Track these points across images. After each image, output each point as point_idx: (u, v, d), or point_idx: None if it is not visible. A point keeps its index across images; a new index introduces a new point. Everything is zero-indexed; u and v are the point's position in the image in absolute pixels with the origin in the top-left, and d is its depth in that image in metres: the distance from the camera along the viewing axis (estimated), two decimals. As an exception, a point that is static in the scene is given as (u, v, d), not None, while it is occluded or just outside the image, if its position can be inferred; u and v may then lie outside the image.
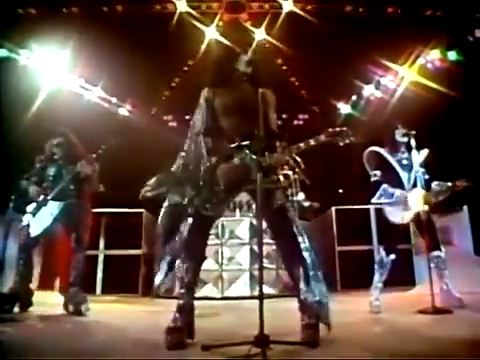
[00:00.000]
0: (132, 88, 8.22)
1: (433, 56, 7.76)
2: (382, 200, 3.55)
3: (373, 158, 3.68)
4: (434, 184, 3.49)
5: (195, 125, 2.43)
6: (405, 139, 3.54)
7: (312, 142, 2.17)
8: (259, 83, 2.40)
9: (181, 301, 2.22)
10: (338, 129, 2.17)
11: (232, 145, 2.26)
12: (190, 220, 2.29)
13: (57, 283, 4.40)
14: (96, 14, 7.70)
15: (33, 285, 3.63)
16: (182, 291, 2.26)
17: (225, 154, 2.26)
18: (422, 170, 3.53)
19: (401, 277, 4.66)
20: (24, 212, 3.52)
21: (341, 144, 2.16)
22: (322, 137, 2.17)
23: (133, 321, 3.29)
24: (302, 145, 2.18)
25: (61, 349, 2.15)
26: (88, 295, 3.60)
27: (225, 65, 2.46)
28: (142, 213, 5.93)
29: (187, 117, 9.63)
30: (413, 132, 3.47)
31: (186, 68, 8.94)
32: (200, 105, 2.44)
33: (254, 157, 2.15)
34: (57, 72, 7.66)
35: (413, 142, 3.44)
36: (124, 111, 8.94)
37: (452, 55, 7.60)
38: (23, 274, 3.47)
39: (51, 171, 3.64)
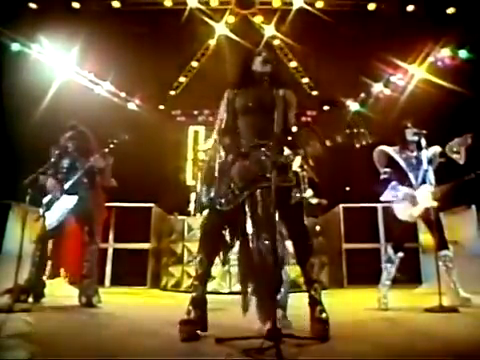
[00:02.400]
0: (141, 83, 8.26)
1: (444, 54, 7.70)
2: (391, 197, 3.60)
3: (382, 157, 3.74)
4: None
5: (217, 124, 2.49)
6: (415, 138, 3.56)
7: (328, 143, 2.20)
8: (280, 83, 2.44)
9: (194, 294, 2.27)
10: (355, 130, 2.18)
11: (250, 144, 2.31)
12: (206, 214, 2.35)
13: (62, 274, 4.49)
14: (107, 9, 7.74)
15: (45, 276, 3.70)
16: (195, 283, 2.31)
17: (241, 152, 2.30)
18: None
19: (408, 275, 4.69)
20: (40, 205, 3.59)
21: (358, 146, 2.18)
22: (339, 138, 2.20)
23: (144, 313, 3.36)
24: (318, 147, 2.22)
25: (77, 340, 2.21)
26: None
27: (244, 66, 2.51)
28: (151, 207, 6.01)
29: (195, 112, 9.70)
30: (424, 131, 3.49)
31: (195, 64, 8.97)
32: (222, 105, 2.51)
33: (268, 156, 2.18)
34: (67, 66, 7.73)
35: (424, 141, 3.46)
36: (133, 106, 8.99)
37: (463, 53, 7.54)
38: (38, 266, 3.54)
39: (65, 163, 3.71)
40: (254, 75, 2.47)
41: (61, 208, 3.58)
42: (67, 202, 3.59)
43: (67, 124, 3.85)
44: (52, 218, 3.55)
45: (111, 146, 3.56)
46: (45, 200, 3.63)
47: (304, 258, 2.31)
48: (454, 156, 3.39)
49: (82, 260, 3.55)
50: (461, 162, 3.37)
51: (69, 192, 3.61)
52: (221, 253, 2.34)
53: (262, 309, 2.21)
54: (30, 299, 3.49)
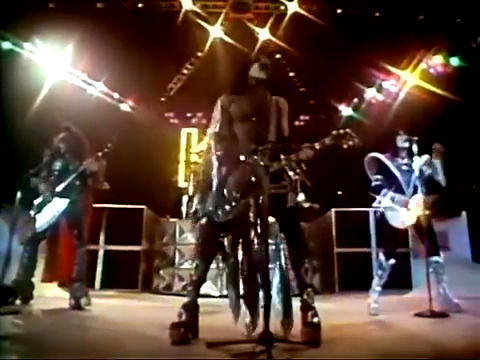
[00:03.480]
0: (134, 84, 8.25)
1: (436, 61, 7.81)
2: (382, 204, 3.61)
3: (373, 164, 3.75)
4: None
5: (212, 131, 2.48)
6: (407, 145, 3.59)
7: (318, 146, 2.21)
8: (274, 90, 2.45)
9: (187, 298, 2.28)
10: (342, 131, 2.21)
11: (245, 150, 2.30)
12: (203, 222, 2.34)
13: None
14: (101, 10, 7.72)
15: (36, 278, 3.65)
16: (189, 288, 2.32)
17: (236, 160, 2.30)
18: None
19: (398, 280, 4.70)
20: (30, 207, 3.55)
21: (345, 146, 2.20)
22: (327, 140, 2.22)
23: (135, 316, 3.33)
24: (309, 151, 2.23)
25: (65, 342, 2.19)
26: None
27: (240, 72, 2.51)
28: (143, 209, 5.95)
29: (188, 114, 9.69)
30: (415, 138, 3.51)
31: (189, 66, 8.97)
32: (217, 111, 2.49)
33: (262, 163, 2.18)
34: (60, 66, 7.68)
35: (415, 148, 3.48)
36: (126, 107, 8.96)
37: (455, 61, 7.65)
38: (27, 267, 3.50)
39: (57, 165, 3.68)
40: (250, 81, 2.47)
41: (52, 210, 3.54)
42: (58, 205, 3.55)
43: (60, 125, 3.82)
44: (42, 220, 3.51)
45: (105, 150, 3.54)
46: (36, 202, 3.59)
47: (298, 262, 2.31)
48: (439, 178, 3.46)
49: (72, 263, 3.51)
50: (443, 184, 3.43)
51: (61, 195, 3.57)
52: (219, 260, 2.34)
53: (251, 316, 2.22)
54: (18, 301, 3.44)
